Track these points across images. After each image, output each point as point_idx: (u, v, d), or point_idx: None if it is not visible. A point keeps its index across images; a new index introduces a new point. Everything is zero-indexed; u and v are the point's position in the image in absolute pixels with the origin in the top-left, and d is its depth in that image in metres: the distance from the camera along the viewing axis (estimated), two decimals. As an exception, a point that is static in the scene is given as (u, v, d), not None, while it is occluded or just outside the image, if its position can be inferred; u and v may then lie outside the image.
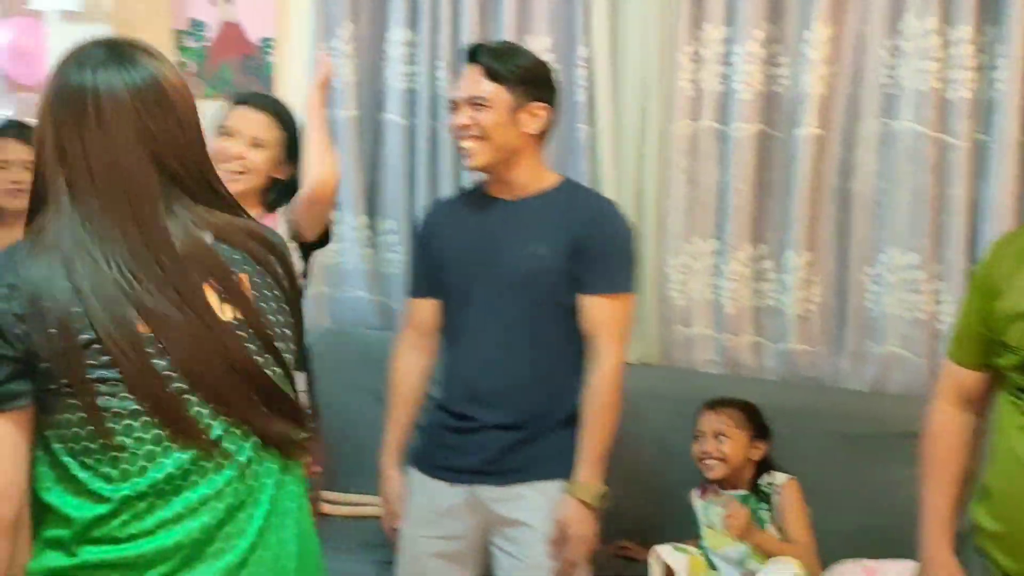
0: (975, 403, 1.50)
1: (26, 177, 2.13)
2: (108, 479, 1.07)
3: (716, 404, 2.13)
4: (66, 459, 1.08)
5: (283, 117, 1.95)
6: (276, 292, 1.19)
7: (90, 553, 1.08)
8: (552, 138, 2.48)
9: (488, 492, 1.80)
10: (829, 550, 2.05)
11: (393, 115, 2.62)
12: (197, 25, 2.83)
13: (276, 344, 1.17)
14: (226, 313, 1.12)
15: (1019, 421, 1.36)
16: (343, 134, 2.63)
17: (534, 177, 1.85)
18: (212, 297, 1.12)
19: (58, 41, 2.78)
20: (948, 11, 2.09)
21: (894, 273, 2.20)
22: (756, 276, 2.38)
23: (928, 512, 1.49)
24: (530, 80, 1.82)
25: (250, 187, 1.87)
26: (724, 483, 2.10)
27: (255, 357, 1.14)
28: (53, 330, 1.05)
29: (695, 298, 2.43)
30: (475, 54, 1.83)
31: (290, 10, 2.76)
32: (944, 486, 1.49)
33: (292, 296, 1.23)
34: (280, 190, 1.92)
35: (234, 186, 1.89)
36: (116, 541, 1.07)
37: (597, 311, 1.79)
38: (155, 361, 1.08)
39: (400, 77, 2.60)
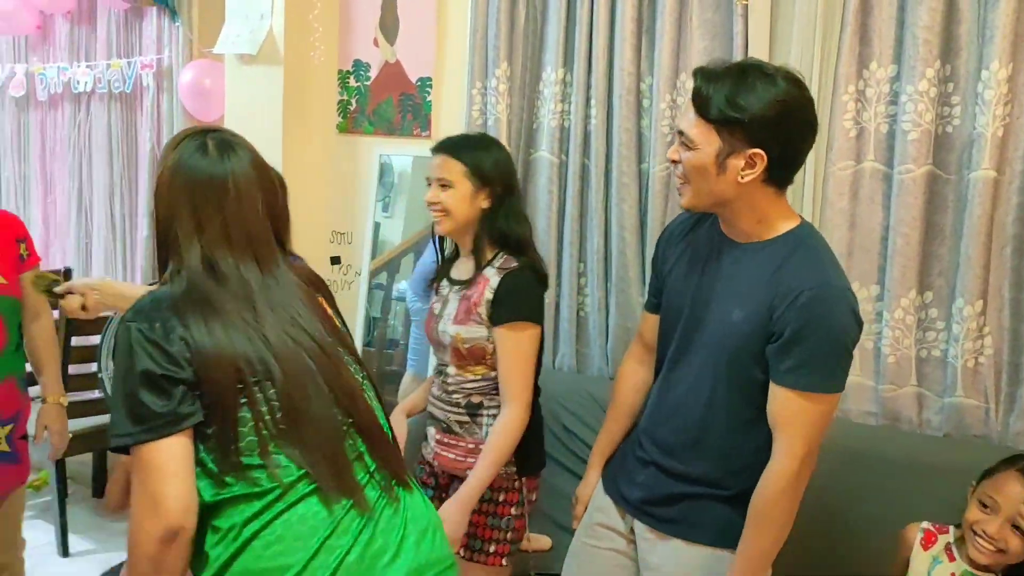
0: None
1: None
2: None
3: None
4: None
5: (458, 150, 2.02)
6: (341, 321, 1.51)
7: None
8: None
9: (640, 529, 1.75)
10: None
11: (544, 152, 2.66)
12: (361, 66, 2.97)
13: (367, 372, 1.47)
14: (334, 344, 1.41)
15: None
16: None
17: (764, 225, 1.59)
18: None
19: (234, 81, 2.98)
20: None
21: (1077, 327, 2.05)
22: (921, 325, 2.26)
23: None
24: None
25: (456, 226, 2.02)
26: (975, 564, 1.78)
27: (365, 391, 1.43)
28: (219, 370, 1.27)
29: (853, 345, 2.33)
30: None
31: (447, 51, 2.86)
32: None
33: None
34: (495, 218, 2.01)
35: (440, 228, 2.02)
36: None
37: (782, 404, 1.53)
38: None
39: (553, 115, 2.64)
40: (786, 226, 1.58)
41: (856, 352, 2.29)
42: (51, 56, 3.79)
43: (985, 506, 1.76)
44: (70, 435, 2.37)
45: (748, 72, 1.50)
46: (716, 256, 1.64)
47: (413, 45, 2.88)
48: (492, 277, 1.98)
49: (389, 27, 2.91)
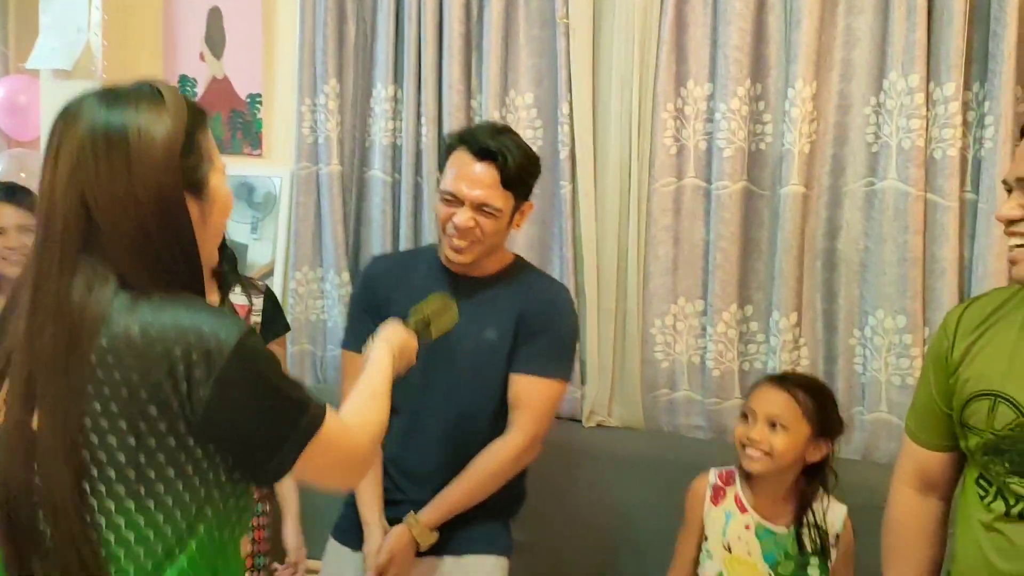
0: (939, 487, 1.38)
1: (24, 242, 2.12)
2: None
3: (780, 380, 1.81)
4: None
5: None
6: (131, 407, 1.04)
7: None
8: (537, 195, 2.47)
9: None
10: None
11: (377, 171, 2.60)
12: (187, 81, 2.85)
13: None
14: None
15: (984, 516, 1.24)
16: (326, 190, 2.62)
17: (497, 259, 1.86)
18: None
19: (50, 98, 2.82)
20: (933, 69, 2.03)
21: (882, 336, 2.11)
22: (743, 338, 2.30)
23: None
24: (529, 180, 1.80)
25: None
26: (758, 484, 1.78)
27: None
28: None
29: (680, 361, 2.35)
30: (490, 153, 1.71)
31: (277, 67, 2.77)
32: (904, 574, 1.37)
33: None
34: None
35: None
36: None
37: (524, 388, 1.79)
38: None
39: (385, 133, 2.59)
40: (509, 256, 1.90)
41: (684, 366, 2.34)
42: None
43: (746, 417, 1.80)
44: None
45: (513, 134, 1.84)
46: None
47: (241, 60, 2.78)
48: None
49: (215, 41, 2.79)
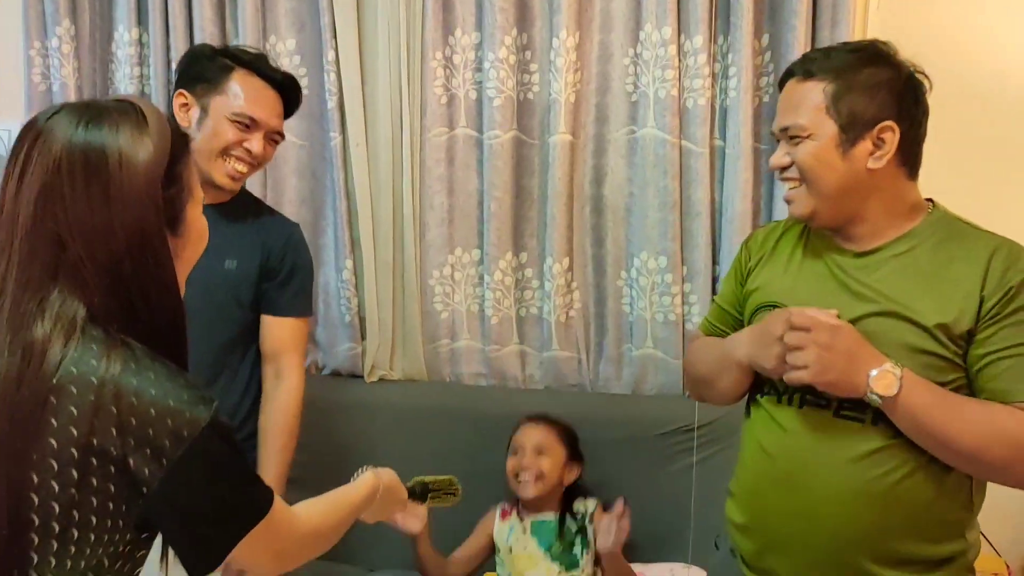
0: None
1: None
2: None
3: (537, 418, 2.10)
4: None
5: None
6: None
7: None
8: (306, 145, 2.37)
9: None
10: (639, 554, 2.07)
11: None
12: None
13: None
14: None
15: (761, 414, 1.39)
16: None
17: None
18: None
19: None
20: (684, 22, 2.14)
21: (646, 277, 2.24)
22: (518, 285, 2.35)
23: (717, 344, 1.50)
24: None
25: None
26: (530, 506, 2.06)
27: None
28: None
29: (459, 310, 2.37)
30: (280, 83, 1.76)
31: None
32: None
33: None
34: None
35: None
36: None
37: (289, 331, 1.83)
38: None
39: (131, 80, 2.37)
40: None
41: (464, 315, 2.37)
42: None
43: (516, 452, 2.06)
44: None
45: None
46: None
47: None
48: None
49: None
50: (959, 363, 1.25)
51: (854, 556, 1.30)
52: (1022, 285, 1.22)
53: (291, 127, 2.32)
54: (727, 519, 1.50)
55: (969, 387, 1.26)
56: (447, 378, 2.41)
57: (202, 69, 1.71)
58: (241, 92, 1.69)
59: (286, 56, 2.32)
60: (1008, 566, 2.09)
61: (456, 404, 2.36)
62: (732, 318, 1.53)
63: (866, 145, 1.26)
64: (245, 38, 2.28)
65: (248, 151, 1.69)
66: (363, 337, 2.40)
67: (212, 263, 1.63)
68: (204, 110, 1.69)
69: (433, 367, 2.41)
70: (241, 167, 1.71)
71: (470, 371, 2.40)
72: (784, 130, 1.31)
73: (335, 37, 2.26)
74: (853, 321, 1.27)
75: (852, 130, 1.25)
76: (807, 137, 1.28)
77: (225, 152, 1.69)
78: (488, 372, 2.38)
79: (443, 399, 2.38)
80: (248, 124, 1.69)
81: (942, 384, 1.24)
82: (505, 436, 2.19)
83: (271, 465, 1.78)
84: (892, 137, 1.26)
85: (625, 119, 2.22)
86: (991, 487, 2.22)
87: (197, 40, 2.29)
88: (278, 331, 1.82)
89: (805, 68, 1.31)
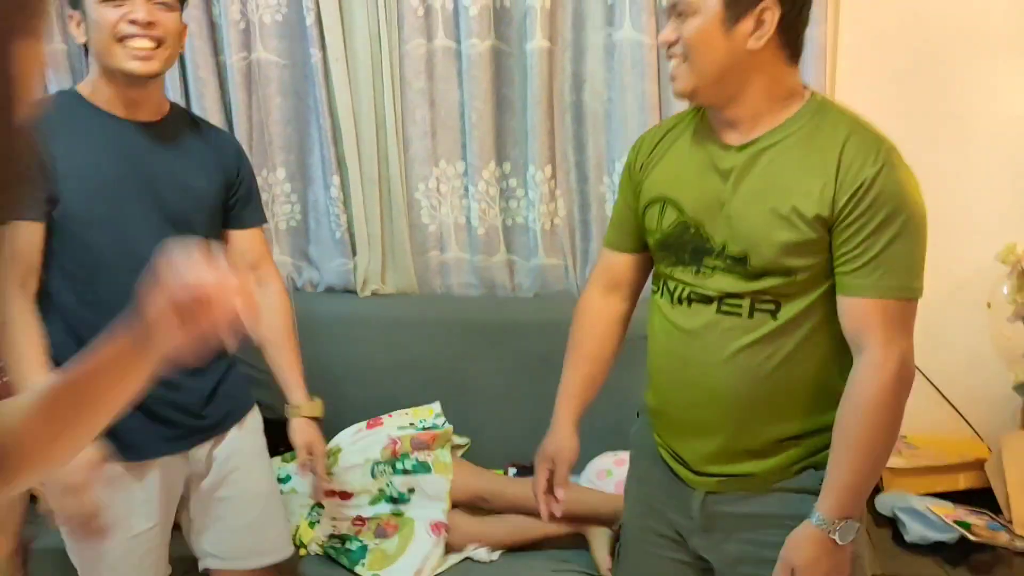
0: (622, 288, 1.57)
1: None
2: None
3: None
4: None
5: None
6: None
7: None
8: (288, 64, 2.38)
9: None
10: (585, 448, 2.13)
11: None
12: None
13: None
14: None
15: (661, 303, 1.45)
16: None
17: (160, 99, 1.70)
18: None
19: None
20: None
21: (627, 181, 2.25)
22: (503, 194, 2.38)
23: (561, 386, 1.56)
24: None
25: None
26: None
27: None
28: None
29: (447, 222, 2.41)
30: None
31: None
32: (576, 362, 1.56)
33: None
34: None
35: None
36: None
37: (256, 240, 1.87)
38: None
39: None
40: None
41: (451, 227, 2.41)
42: None
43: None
44: None
45: None
46: (132, 140, 1.67)
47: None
48: None
49: None
50: (825, 247, 1.30)
51: (751, 439, 1.38)
52: (873, 183, 1.25)
53: (272, 47, 2.35)
54: (646, 403, 1.57)
55: (829, 270, 1.31)
56: (438, 290, 2.46)
57: None
58: None
59: (260, -27, 2.32)
60: (990, 449, 2.14)
61: (448, 315, 2.41)
62: (630, 225, 1.52)
63: (748, 24, 1.27)
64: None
65: (134, 22, 1.54)
66: (354, 253, 2.45)
67: (180, 183, 1.67)
68: (84, 13, 1.57)
69: (423, 279, 2.46)
70: (141, 43, 1.55)
71: (460, 282, 2.44)
72: (673, 6, 1.33)
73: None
74: (731, 213, 1.32)
75: (735, 8, 1.27)
76: (693, 14, 1.29)
77: (118, 37, 1.54)
78: (477, 282, 2.43)
79: (435, 310, 2.44)
80: None
81: (807, 267, 1.29)
82: (496, 344, 2.24)
83: (293, 370, 1.85)
84: (772, 17, 1.27)
85: (602, 22, 2.21)
86: (965, 371, 2.26)
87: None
88: (250, 243, 1.85)
89: None
